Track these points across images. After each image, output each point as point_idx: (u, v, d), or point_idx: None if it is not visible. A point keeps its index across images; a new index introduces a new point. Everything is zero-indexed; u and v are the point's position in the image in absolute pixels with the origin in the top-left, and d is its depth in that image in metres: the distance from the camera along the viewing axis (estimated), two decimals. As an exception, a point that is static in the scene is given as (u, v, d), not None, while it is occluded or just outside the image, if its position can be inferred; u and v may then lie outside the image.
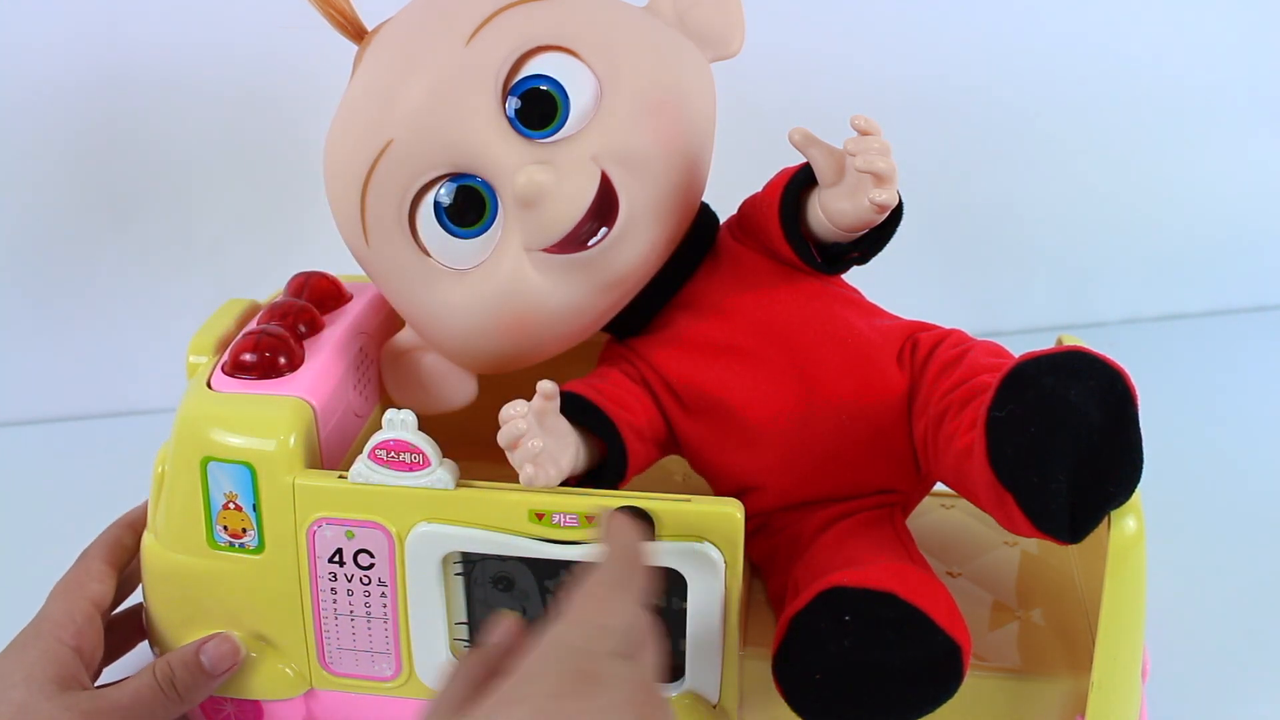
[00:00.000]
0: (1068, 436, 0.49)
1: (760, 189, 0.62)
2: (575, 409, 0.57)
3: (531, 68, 0.58)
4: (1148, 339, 1.07)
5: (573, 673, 0.48)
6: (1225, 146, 1.05)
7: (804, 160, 0.59)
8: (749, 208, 0.63)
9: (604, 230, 0.57)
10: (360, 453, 0.58)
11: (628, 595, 0.52)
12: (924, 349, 0.60)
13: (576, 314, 0.59)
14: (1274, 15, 1.01)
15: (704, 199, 0.63)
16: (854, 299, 0.63)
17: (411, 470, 0.57)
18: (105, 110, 0.93)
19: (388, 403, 0.71)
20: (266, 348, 0.62)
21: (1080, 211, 1.05)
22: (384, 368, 0.67)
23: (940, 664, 0.52)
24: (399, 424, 0.57)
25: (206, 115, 0.95)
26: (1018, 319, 1.07)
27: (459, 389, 0.65)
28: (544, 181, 0.55)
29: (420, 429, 0.57)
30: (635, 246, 0.58)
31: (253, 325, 0.64)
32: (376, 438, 0.57)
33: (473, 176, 0.57)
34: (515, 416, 0.54)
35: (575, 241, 0.57)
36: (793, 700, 0.53)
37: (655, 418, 0.60)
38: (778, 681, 0.53)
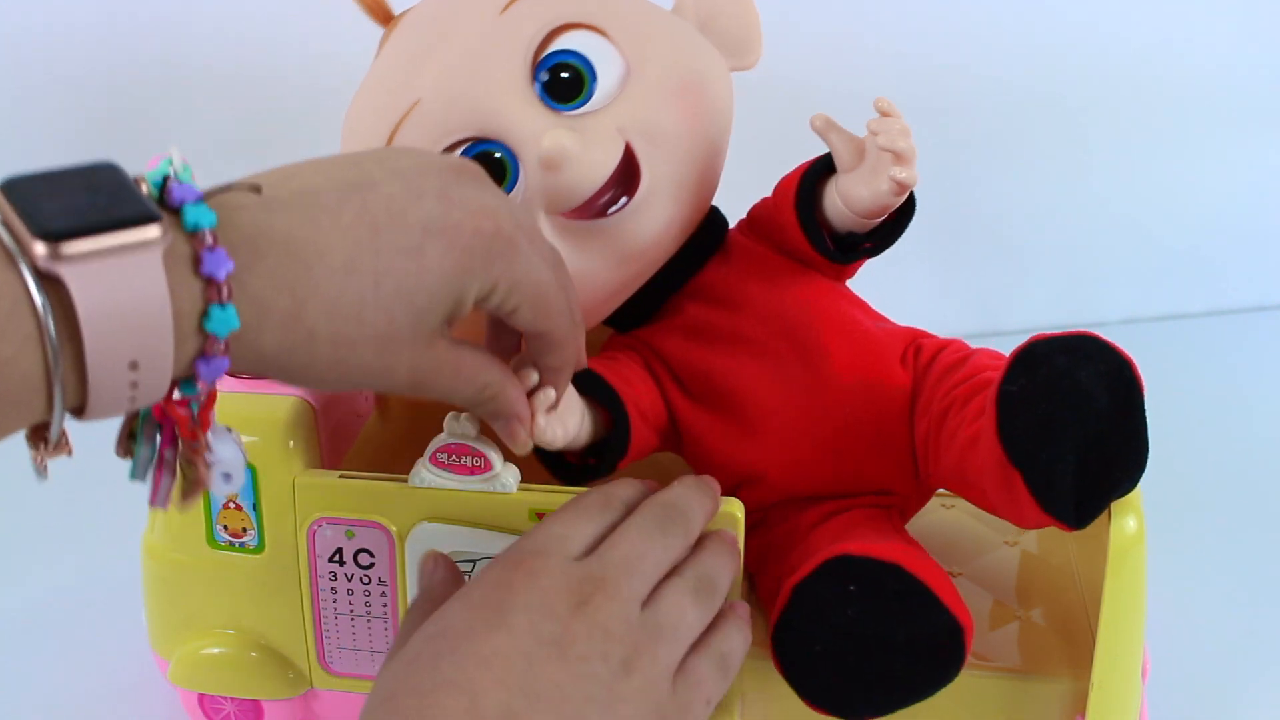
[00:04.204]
0: (1077, 417, 0.50)
1: (766, 194, 0.63)
2: (583, 379, 0.58)
3: (561, 43, 0.58)
4: (1148, 339, 1.07)
5: (514, 565, 0.49)
6: (1225, 146, 1.05)
7: (806, 161, 0.60)
8: (759, 209, 0.63)
9: (624, 200, 0.58)
10: (423, 455, 0.57)
11: (600, 519, 0.52)
12: (927, 353, 0.61)
13: (591, 286, 0.59)
14: (1274, 15, 1.01)
15: (713, 198, 0.63)
16: (860, 303, 0.63)
17: (474, 474, 0.57)
18: (105, 105, 0.93)
19: (388, 403, 0.71)
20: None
21: (1080, 211, 1.05)
22: None
23: (943, 643, 0.52)
24: (460, 428, 0.56)
25: (208, 110, 0.95)
26: (1018, 319, 1.07)
27: None
28: (568, 146, 0.56)
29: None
30: (653, 220, 0.59)
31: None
32: (438, 442, 0.56)
33: (495, 143, 0.58)
34: (529, 371, 0.55)
35: (596, 209, 0.57)
36: (790, 674, 0.53)
37: (658, 401, 0.60)
38: (775, 653, 0.53)
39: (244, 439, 0.58)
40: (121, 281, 0.39)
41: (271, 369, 0.44)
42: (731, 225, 0.64)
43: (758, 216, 0.63)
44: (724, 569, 0.53)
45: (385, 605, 0.60)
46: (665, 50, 0.59)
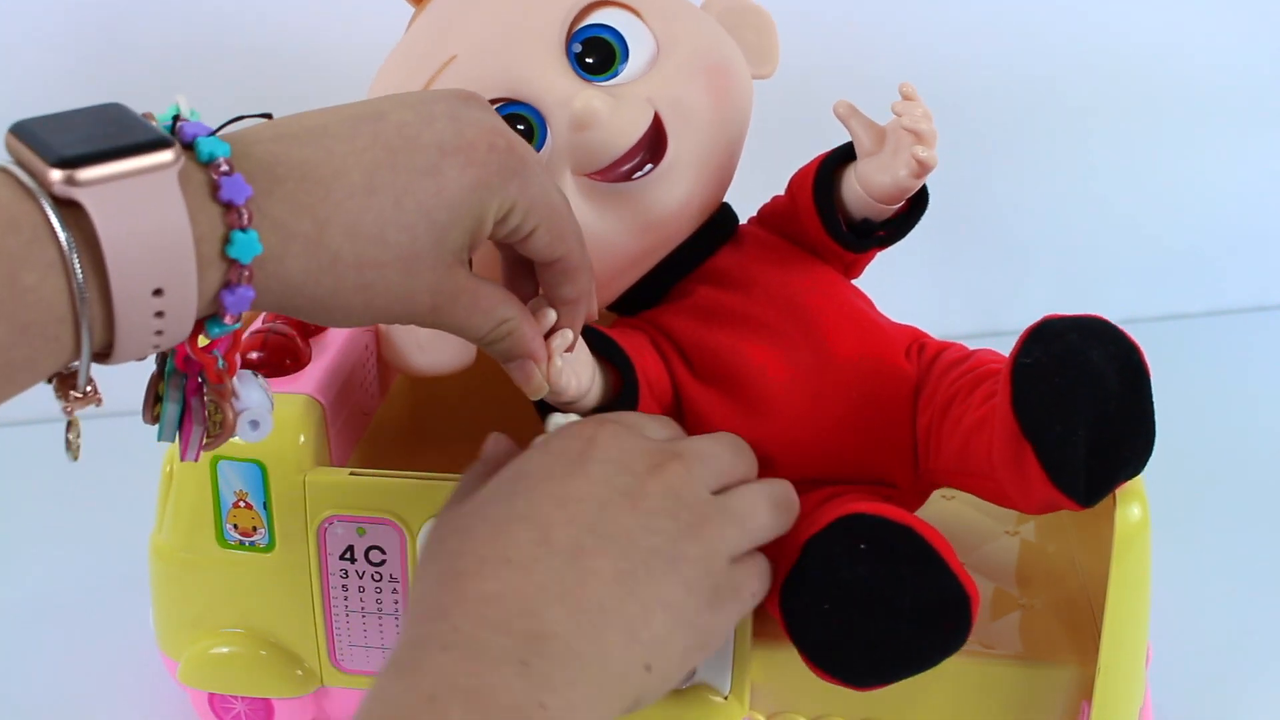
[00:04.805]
0: (1088, 393, 0.51)
1: (769, 194, 0.64)
2: (595, 340, 0.58)
3: (595, 18, 0.60)
4: (1148, 339, 1.07)
5: (596, 424, 0.52)
6: (1225, 146, 1.05)
7: (818, 155, 0.61)
8: (769, 207, 0.64)
9: (650, 166, 0.59)
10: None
11: (668, 429, 0.55)
12: (931, 350, 0.62)
13: (610, 252, 0.60)
14: (1274, 14, 1.02)
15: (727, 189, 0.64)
16: (866, 298, 0.64)
17: None
18: (112, 91, 0.92)
19: (390, 402, 0.71)
20: (274, 346, 0.63)
21: (1080, 211, 1.06)
22: (381, 329, 0.67)
23: (950, 610, 0.52)
24: (567, 422, 0.56)
25: (213, 97, 0.94)
26: (1018, 319, 1.06)
27: (458, 349, 0.64)
28: (600, 107, 0.57)
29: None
30: (675, 191, 0.60)
31: (258, 324, 0.64)
32: (540, 441, 0.56)
33: (525, 105, 0.59)
34: (546, 311, 0.55)
35: (622, 172, 0.58)
36: (795, 632, 0.54)
37: (664, 377, 0.61)
38: (782, 610, 0.53)
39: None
40: (140, 204, 0.39)
41: (298, 298, 0.44)
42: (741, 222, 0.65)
43: (769, 213, 0.64)
44: (795, 503, 0.56)
45: (397, 602, 0.60)
46: (695, 35, 0.61)
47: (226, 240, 0.41)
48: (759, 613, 0.58)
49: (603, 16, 0.60)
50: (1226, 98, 1.04)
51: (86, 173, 0.38)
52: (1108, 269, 1.08)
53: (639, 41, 0.60)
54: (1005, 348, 0.59)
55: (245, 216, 0.41)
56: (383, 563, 0.59)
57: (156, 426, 0.48)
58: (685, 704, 0.59)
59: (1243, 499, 0.86)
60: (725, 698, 0.59)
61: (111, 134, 0.40)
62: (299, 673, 0.63)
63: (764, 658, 0.59)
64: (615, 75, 0.60)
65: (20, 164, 0.39)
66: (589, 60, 0.60)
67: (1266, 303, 1.11)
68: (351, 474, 0.59)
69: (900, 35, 0.99)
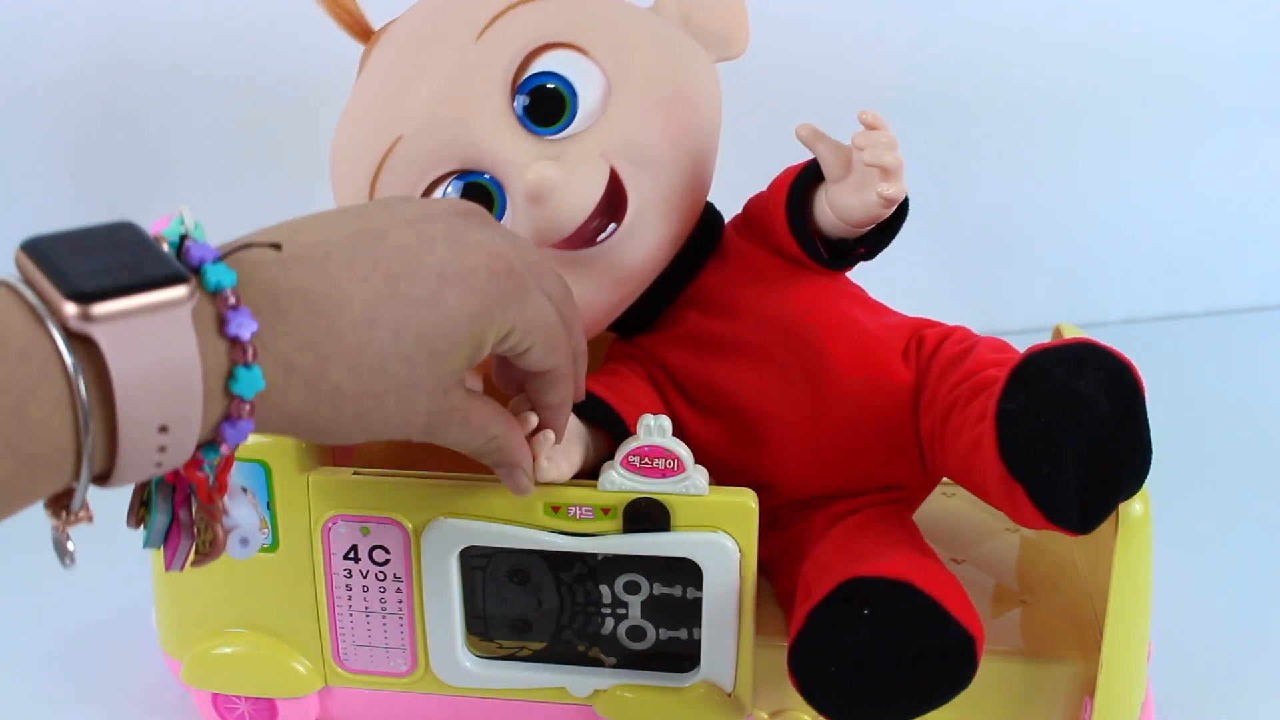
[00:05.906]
0: (1078, 427, 0.49)
1: (763, 189, 0.63)
2: (585, 404, 0.58)
3: (540, 65, 0.58)
4: (1148, 339, 1.07)
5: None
6: (1225, 146, 1.06)
7: (808, 158, 0.59)
8: (754, 207, 0.63)
9: (612, 226, 0.58)
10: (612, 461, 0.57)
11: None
12: (929, 346, 0.61)
13: (588, 310, 0.59)
14: (1274, 14, 1.02)
15: (707, 199, 0.63)
16: (859, 296, 0.63)
17: (666, 476, 0.56)
18: (106, 107, 0.93)
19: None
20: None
21: (1080, 211, 1.06)
22: None
23: (954, 655, 0.52)
24: (655, 430, 0.56)
25: (211, 114, 0.95)
26: (1018, 319, 1.07)
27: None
28: (553, 177, 0.56)
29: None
30: (643, 243, 0.59)
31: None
32: (629, 445, 0.56)
33: (481, 174, 0.58)
34: (527, 413, 0.55)
35: (584, 238, 0.57)
36: (808, 693, 0.54)
37: (662, 414, 0.60)
38: (793, 675, 0.54)
39: (259, 437, 0.59)
40: (153, 342, 0.39)
41: (297, 426, 0.44)
42: (728, 218, 0.64)
43: (753, 214, 0.63)
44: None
45: (401, 602, 0.60)
46: (647, 62, 0.59)
47: (230, 375, 0.41)
48: (761, 611, 0.58)
49: (547, 62, 0.58)
50: (1227, 98, 1.04)
51: (102, 308, 0.38)
52: (1107, 269, 1.08)
53: (588, 83, 0.58)
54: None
55: (250, 353, 0.41)
56: (387, 562, 0.60)
57: (142, 531, 0.47)
58: (689, 702, 0.59)
59: (1243, 498, 0.86)
60: (729, 695, 0.59)
61: (127, 264, 0.39)
62: (303, 673, 0.63)
63: (767, 656, 0.59)
64: (567, 124, 0.58)
65: (31, 285, 0.39)
66: (538, 112, 0.58)
67: (1266, 303, 1.12)
68: (355, 474, 0.59)
69: (903, 29, 0.99)
